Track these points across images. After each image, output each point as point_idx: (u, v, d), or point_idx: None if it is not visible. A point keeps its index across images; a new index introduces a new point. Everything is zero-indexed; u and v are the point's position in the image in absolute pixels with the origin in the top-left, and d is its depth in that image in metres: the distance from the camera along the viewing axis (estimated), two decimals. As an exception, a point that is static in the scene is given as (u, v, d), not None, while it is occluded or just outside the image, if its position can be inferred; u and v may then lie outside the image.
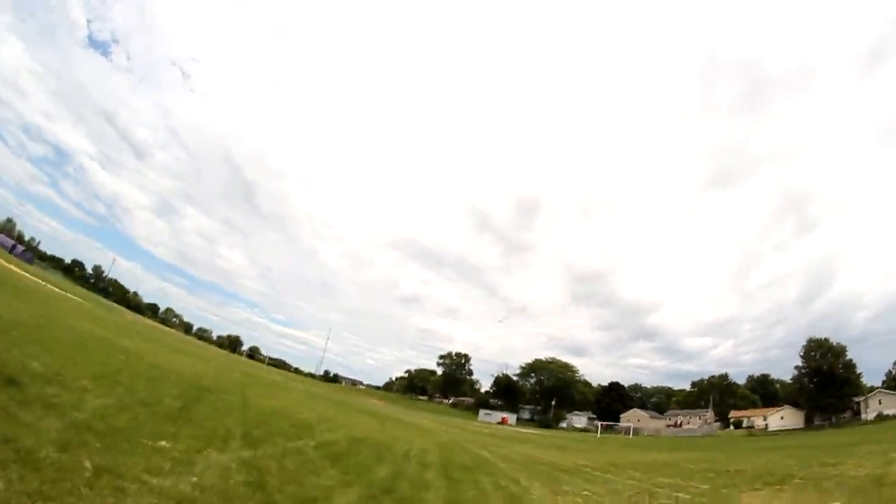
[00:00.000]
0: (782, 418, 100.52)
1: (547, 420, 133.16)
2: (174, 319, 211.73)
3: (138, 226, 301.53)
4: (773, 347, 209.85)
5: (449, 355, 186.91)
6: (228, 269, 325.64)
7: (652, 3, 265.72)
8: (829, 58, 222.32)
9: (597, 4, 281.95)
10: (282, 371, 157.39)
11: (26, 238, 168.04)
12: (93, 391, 11.08)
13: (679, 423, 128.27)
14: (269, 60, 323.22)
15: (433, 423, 46.17)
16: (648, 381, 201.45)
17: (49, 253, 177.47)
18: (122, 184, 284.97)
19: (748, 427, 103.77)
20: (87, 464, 6.76)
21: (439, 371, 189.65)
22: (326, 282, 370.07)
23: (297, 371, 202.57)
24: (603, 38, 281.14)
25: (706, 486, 17.01)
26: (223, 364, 43.25)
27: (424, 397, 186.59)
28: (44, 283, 54.75)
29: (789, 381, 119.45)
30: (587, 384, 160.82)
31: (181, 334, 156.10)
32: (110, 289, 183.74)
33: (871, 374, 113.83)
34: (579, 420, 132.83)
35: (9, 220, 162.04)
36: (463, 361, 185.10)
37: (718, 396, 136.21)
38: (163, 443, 9.10)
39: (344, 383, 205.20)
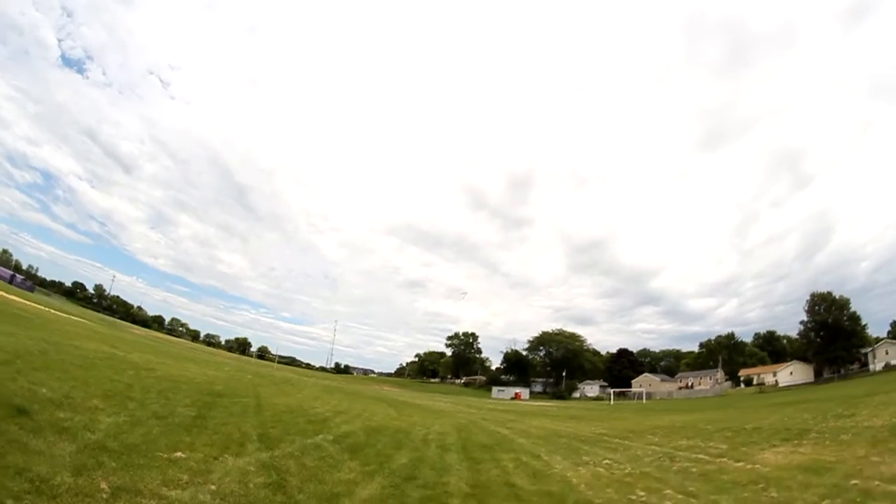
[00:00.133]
0: (791, 373, 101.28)
1: (560, 391, 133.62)
2: (181, 329, 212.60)
3: (135, 240, 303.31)
4: (778, 303, 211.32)
5: (457, 336, 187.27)
6: (230, 272, 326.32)
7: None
8: (812, 15, 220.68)
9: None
10: (293, 368, 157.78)
11: (24, 266, 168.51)
12: (104, 410, 11.03)
13: (690, 384, 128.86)
14: (244, 60, 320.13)
15: (448, 405, 46.21)
16: (656, 346, 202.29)
17: (49, 278, 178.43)
18: (113, 200, 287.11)
19: (758, 384, 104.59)
20: (104, 485, 6.71)
21: (449, 352, 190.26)
22: (328, 275, 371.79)
23: (308, 366, 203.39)
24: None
25: (725, 446, 16.99)
26: (234, 367, 43.21)
27: (436, 379, 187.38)
28: (47, 308, 54.69)
29: (796, 337, 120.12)
30: (596, 353, 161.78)
31: (189, 343, 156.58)
32: (114, 306, 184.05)
33: (876, 325, 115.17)
34: (591, 389, 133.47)
35: (4, 252, 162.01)
36: (471, 340, 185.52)
37: (727, 356, 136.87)
38: (179, 454, 9.06)
39: (355, 373, 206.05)
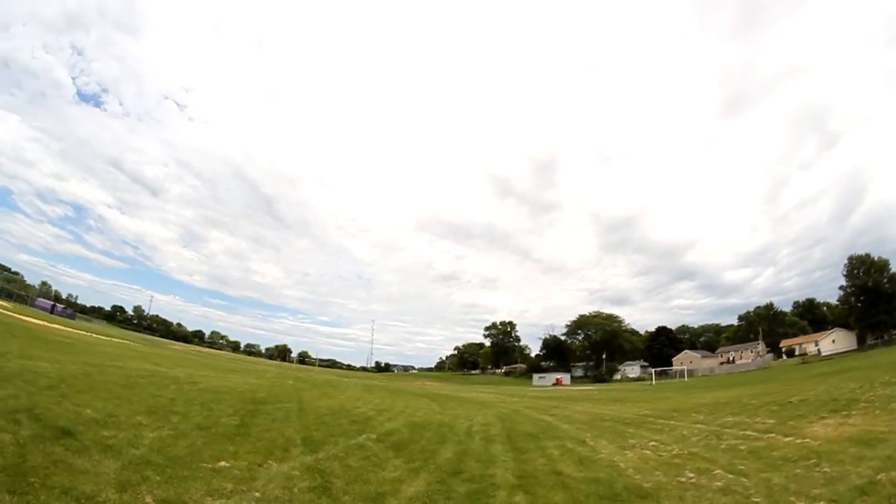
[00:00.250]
0: (834, 341, 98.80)
1: (600, 374, 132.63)
2: (221, 341, 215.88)
3: (168, 259, 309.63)
4: (815, 269, 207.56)
5: (494, 325, 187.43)
6: (265, 282, 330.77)
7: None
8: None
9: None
10: (334, 370, 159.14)
11: (64, 296, 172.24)
12: (148, 425, 11.12)
13: (732, 358, 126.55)
14: (256, 74, 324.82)
15: (490, 395, 46.15)
16: (695, 321, 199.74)
17: (89, 305, 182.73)
18: (143, 223, 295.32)
19: (801, 354, 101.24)
20: (149, 499, 6.74)
21: (487, 343, 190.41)
22: (362, 275, 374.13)
23: (349, 367, 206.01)
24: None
25: (772, 421, 16.60)
26: (276, 374, 43.47)
27: (477, 371, 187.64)
28: (88, 333, 55.53)
29: (836, 303, 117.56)
30: (635, 332, 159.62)
31: (230, 354, 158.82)
32: (154, 325, 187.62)
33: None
34: (632, 370, 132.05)
35: (44, 284, 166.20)
36: (509, 329, 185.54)
37: (767, 327, 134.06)
38: (223, 463, 9.09)
39: (396, 371, 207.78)
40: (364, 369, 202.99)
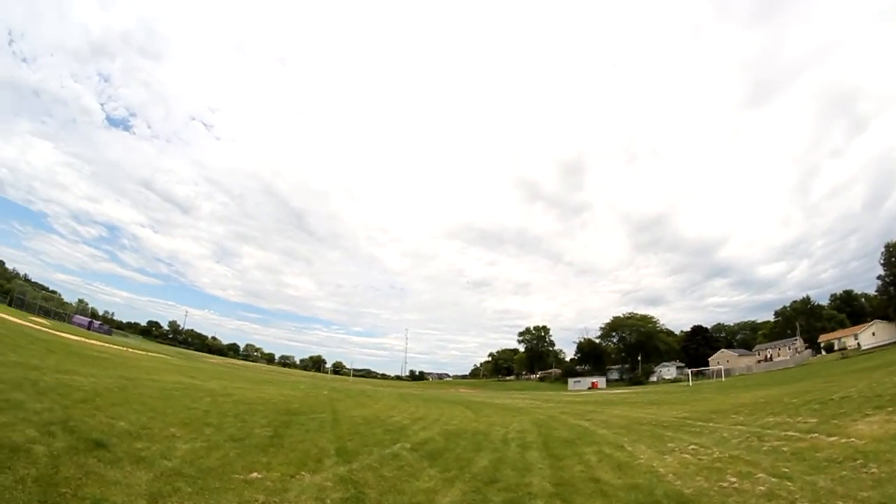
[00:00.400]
0: (874, 334, 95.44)
1: (636, 377, 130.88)
2: (256, 353, 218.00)
3: (202, 275, 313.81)
4: (851, 260, 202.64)
5: (528, 330, 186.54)
6: (298, 295, 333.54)
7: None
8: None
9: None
10: (369, 380, 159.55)
11: (101, 313, 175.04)
12: (181, 437, 11.10)
13: (769, 356, 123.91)
14: (280, 91, 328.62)
15: (525, 401, 45.72)
16: (730, 319, 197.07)
17: (125, 321, 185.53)
18: (176, 241, 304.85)
19: (840, 349, 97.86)
20: (180, 510, 6.66)
21: (522, 348, 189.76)
22: (394, 285, 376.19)
23: (383, 377, 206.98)
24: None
25: (815, 420, 16.13)
26: (310, 385, 43.65)
27: (511, 377, 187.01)
28: (124, 348, 56.23)
29: (874, 294, 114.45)
30: (670, 333, 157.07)
31: (265, 366, 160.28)
32: (189, 339, 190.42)
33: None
34: (668, 371, 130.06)
35: (80, 301, 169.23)
36: (543, 334, 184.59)
37: (804, 322, 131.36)
38: (255, 474, 9.01)
39: (430, 379, 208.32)
40: (398, 378, 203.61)
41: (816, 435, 13.67)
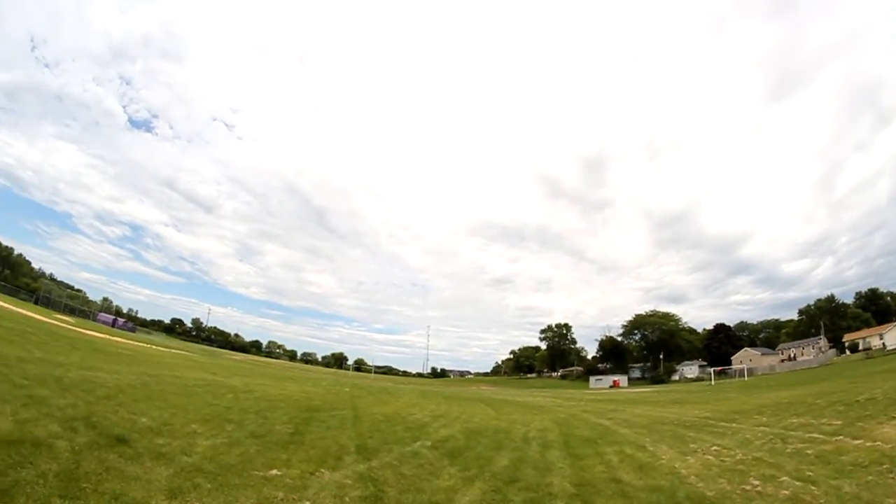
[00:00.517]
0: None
1: (658, 375, 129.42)
2: (278, 350, 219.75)
3: (225, 273, 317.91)
4: (877, 257, 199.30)
5: (550, 328, 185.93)
6: (320, 292, 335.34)
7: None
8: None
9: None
10: (390, 377, 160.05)
11: (125, 311, 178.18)
12: (202, 434, 11.15)
13: (793, 355, 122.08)
14: (300, 90, 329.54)
15: (547, 399, 45.45)
16: (754, 317, 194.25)
17: (149, 318, 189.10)
18: (199, 240, 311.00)
19: (865, 349, 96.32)
20: (199, 507, 6.66)
21: (543, 346, 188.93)
22: (416, 282, 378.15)
23: (405, 374, 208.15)
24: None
25: (839, 422, 15.87)
26: (331, 382, 43.75)
27: (533, 375, 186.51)
28: (148, 345, 56.88)
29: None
30: (692, 331, 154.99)
31: (287, 363, 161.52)
32: (212, 336, 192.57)
33: None
34: (690, 370, 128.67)
35: (105, 300, 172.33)
36: (564, 332, 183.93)
37: (829, 321, 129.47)
38: (274, 471, 9.00)
39: (452, 376, 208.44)
40: (420, 375, 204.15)
41: (841, 438, 13.46)
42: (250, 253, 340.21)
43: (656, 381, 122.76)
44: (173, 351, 57.28)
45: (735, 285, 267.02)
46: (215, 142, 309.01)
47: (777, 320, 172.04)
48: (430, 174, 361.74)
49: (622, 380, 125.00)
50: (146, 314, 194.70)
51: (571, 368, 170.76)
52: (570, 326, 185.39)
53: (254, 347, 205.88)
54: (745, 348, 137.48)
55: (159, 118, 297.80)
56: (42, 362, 17.32)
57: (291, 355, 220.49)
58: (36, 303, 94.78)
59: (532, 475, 11.11)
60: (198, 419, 12.84)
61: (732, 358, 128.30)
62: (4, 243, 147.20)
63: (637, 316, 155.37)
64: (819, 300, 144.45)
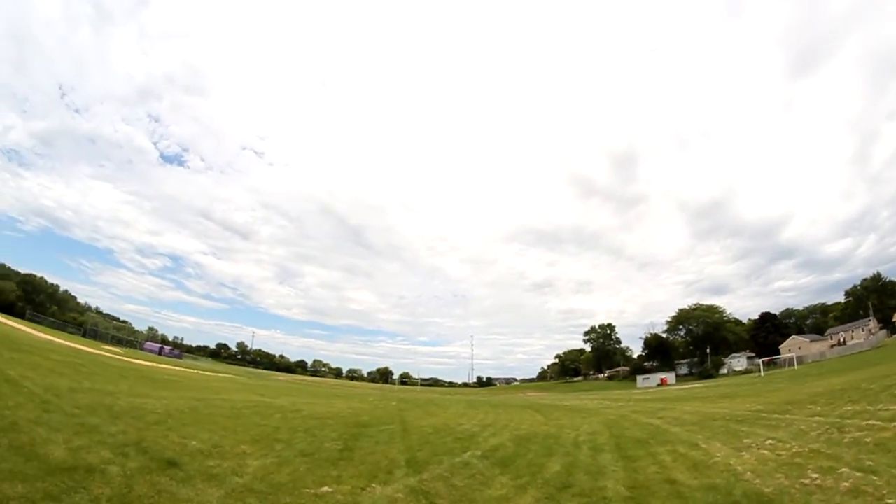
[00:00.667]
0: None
1: (706, 370, 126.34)
2: (323, 369, 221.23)
3: (266, 297, 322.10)
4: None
5: (593, 329, 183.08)
6: (362, 309, 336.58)
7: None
8: None
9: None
10: (436, 388, 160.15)
11: (171, 338, 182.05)
12: (252, 454, 11.20)
13: (842, 340, 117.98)
14: (326, 113, 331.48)
15: (594, 402, 44.88)
16: (799, 303, 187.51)
17: (195, 345, 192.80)
18: (238, 266, 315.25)
19: None
20: (252, 527, 6.63)
21: (588, 348, 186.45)
22: (456, 292, 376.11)
23: (450, 385, 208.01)
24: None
25: (896, 407, 15.40)
26: (378, 397, 43.85)
27: (579, 378, 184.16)
28: (195, 370, 57.72)
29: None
30: (738, 322, 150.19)
31: (333, 380, 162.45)
32: (257, 359, 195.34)
33: None
34: (738, 362, 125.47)
35: (150, 329, 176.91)
36: (609, 332, 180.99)
37: (877, 301, 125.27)
38: (325, 488, 8.97)
39: (498, 384, 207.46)
40: (466, 385, 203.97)
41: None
42: (290, 275, 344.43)
43: (704, 375, 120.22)
44: (220, 375, 58.03)
45: (778, 271, 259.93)
46: (247, 170, 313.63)
47: (823, 304, 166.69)
48: (462, 184, 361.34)
49: (669, 377, 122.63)
50: (191, 341, 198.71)
51: (617, 369, 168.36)
52: (614, 326, 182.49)
53: (299, 367, 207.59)
54: (793, 336, 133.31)
55: (190, 151, 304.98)
56: (92, 392, 17.62)
57: (337, 373, 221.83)
58: (84, 336, 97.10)
59: (585, 480, 10.90)
60: (247, 440, 12.92)
61: (780, 347, 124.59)
62: (50, 281, 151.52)
63: (680, 311, 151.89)
64: (865, 280, 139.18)
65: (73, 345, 51.98)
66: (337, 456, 12.19)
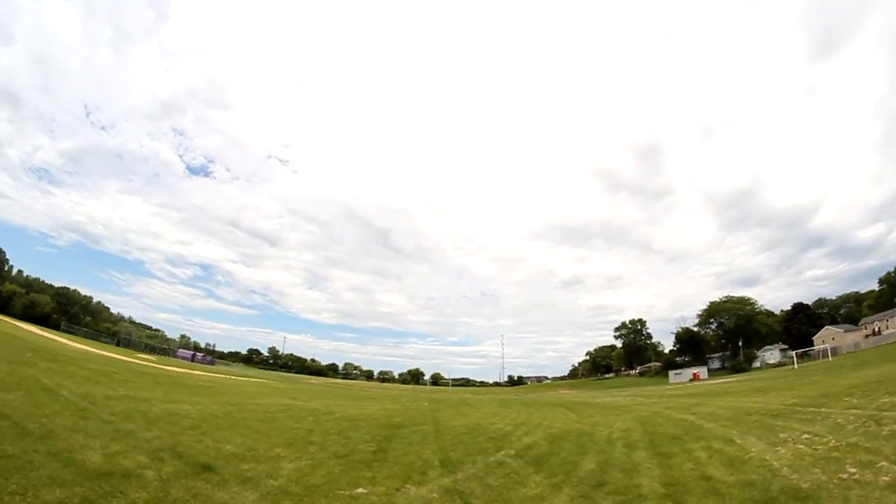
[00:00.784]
0: None
1: (739, 364, 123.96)
2: (355, 371, 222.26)
3: (296, 302, 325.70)
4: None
5: (624, 325, 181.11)
6: (392, 311, 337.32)
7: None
8: None
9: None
10: (467, 388, 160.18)
11: (203, 345, 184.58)
12: (286, 457, 11.25)
13: (877, 329, 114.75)
14: (348, 118, 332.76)
15: (627, 398, 44.47)
16: (832, 292, 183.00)
17: (227, 351, 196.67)
18: (268, 273, 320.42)
19: None
20: (287, 529, 6.63)
21: (619, 344, 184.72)
22: (485, 292, 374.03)
23: (481, 384, 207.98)
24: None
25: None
26: (410, 398, 43.93)
27: (610, 374, 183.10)
28: (227, 376, 58.34)
29: None
30: (770, 314, 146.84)
31: (365, 383, 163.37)
32: (289, 363, 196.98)
33: None
34: (771, 355, 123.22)
35: (183, 337, 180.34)
36: (639, 327, 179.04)
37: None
38: (360, 490, 8.98)
39: (529, 382, 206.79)
40: (497, 384, 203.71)
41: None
42: (319, 280, 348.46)
43: (737, 369, 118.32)
44: (252, 380, 58.50)
45: (809, 260, 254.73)
46: (272, 178, 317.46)
47: (857, 293, 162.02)
48: (488, 183, 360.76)
49: (702, 372, 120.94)
50: (223, 347, 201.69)
51: (649, 365, 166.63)
52: (645, 321, 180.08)
53: (330, 370, 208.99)
54: (827, 326, 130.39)
55: (215, 162, 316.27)
56: (127, 399, 17.86)
57: (368, 375, 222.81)
58: (118, 345, 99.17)
59: (619, 478, 10.77)
60: (281, 443, 13.00)
61: (814, 338, 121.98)
62: (83, 293, 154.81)
63: (711, 304, 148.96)
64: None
65: (107, 354, 52.84)
66: (371, 457, 12.21)
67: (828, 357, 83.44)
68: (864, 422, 14.12)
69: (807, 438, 13.15)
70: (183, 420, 14.57)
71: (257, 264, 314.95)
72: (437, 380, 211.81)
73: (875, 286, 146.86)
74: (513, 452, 13.90)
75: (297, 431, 15.56)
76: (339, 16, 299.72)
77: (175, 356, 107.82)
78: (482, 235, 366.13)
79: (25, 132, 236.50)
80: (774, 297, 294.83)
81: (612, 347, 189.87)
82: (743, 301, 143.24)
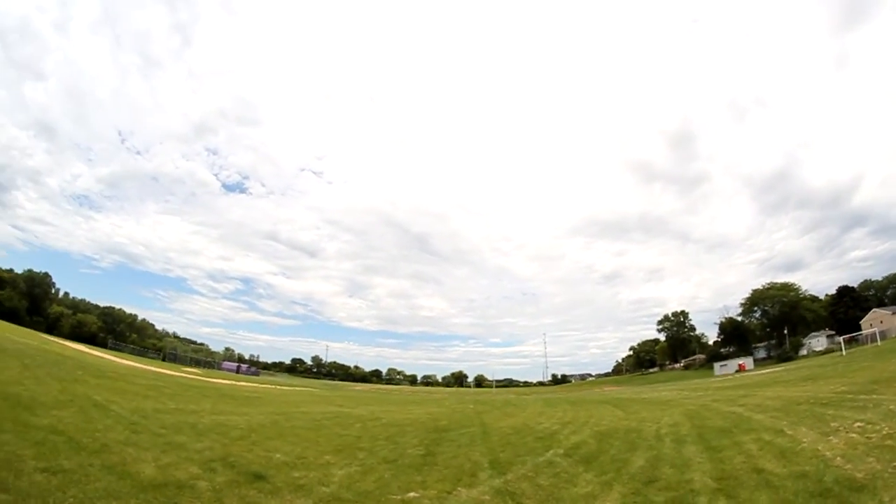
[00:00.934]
0: None
1: (785, 352, 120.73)
2: (398, 377, 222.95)
3: (338, 310, 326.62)
4: None
5: (666, 318, 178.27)
6: (433, 315, 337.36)
7: None
8: None
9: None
10: (512, 389, 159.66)
11: (247, 357, 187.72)
12: (336, 464, 11.32)
13: None
14: (378, 125, 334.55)
15: (672, 392, 43.79)
16: (878, 273, 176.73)
17: (270, 361, 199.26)
18: (308, 283, 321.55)
19: None
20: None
21: (662, 337, 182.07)
22: (526, 291, 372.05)
23: (525, 384, 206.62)
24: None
25: None
26: (455, 401, 43.93)
27: (655, 369, 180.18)
28: (273, 386, 58.97)
29: None
30: (814, 299, 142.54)
31: (409, 387, 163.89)
32: (333, 371, 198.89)
33: None
34: (818, 342, 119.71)
35: (227, 349, 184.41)
36: (682, 320, 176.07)
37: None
38: (412, 494, 9.00)
39: (573, 380, 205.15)
40: (541, 384, 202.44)
41: None
42: (359, 288, 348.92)
43: (783, 358, 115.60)
44: (297, 389, 59.12)
45: (852, 241, 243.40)
46: (307, 190, 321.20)
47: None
48: (522, 183, 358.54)
49: (748, 362, 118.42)
50: (267, 358, 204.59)
51: (694, 357, 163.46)
52: (687, 313, 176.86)
53: (374, 377, 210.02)
54: (874, 309, 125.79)
55: (250, 178, 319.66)
56: (176, 411, 18.15)
57: (412, 380, 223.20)
58: (164, 360, 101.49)
59: (670, 473, 10.61)
60: (330, 450, 13.09)
61: (861, 322, 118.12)
62: (128, 311, 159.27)
63: (754, 291, 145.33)
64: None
65: (154, 369, 53.83)
66: (420, 461, 12.22)
67: (877, 341, 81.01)
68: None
69: (859, 427, 12.81)
70: (232, 430, 14.77)
71: (297, 275, 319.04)
72: (480, 382, 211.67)
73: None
74: (561, 451, 13.78)
75: (345, 438, 15.66)
76: (362, 26, 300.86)
77: (220, 369, 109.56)
78: (519, 235, 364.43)
79: (64, 161, 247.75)
80: (818, 282, 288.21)
81: (656, 341, 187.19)
82: (786, 287, 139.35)
